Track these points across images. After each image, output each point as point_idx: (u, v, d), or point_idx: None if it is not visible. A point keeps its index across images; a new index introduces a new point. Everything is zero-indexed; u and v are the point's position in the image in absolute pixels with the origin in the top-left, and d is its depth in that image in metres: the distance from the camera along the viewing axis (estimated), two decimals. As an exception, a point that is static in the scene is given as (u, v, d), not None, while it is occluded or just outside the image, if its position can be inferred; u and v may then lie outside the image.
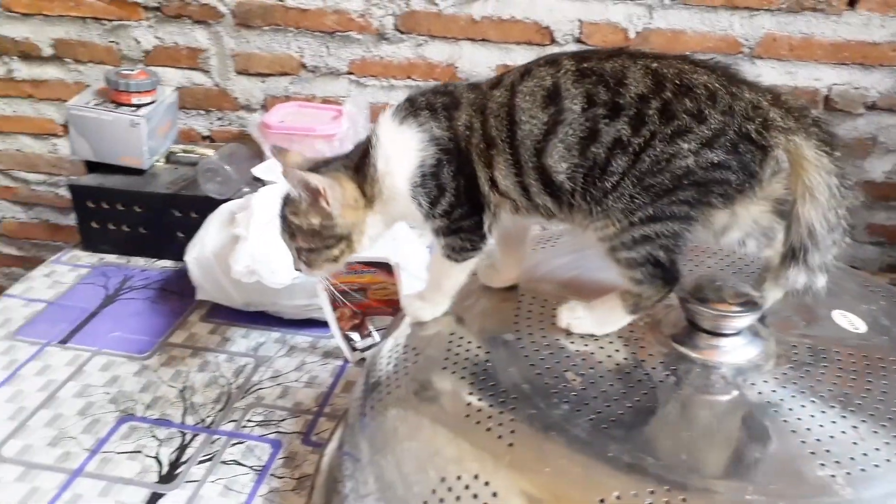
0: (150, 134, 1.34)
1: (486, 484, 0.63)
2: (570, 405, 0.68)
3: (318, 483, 0.89)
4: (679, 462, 0.63)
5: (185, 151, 1.45)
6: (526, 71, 0.71)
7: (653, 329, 0.77)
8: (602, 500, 0.59)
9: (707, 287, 0.74)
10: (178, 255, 1.36)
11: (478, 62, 1.46)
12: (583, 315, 0.76)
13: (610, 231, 0.70)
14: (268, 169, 1.16)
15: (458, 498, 0.64)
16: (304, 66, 1.51)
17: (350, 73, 1.50)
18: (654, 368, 0.73)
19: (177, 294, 1.28)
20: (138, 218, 1.36)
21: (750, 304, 0.72)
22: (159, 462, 0.93)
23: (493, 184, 0.72)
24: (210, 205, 1.28)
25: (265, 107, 1.56)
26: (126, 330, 1.19)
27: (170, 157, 1.44)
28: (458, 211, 0.73)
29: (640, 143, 0.66)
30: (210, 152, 1.44)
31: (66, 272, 1.34)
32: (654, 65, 0.68)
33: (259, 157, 1.36)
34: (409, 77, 1.49)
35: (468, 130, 0.72)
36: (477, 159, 0.72)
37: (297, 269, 0.79)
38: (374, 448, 0.78)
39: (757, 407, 0.69)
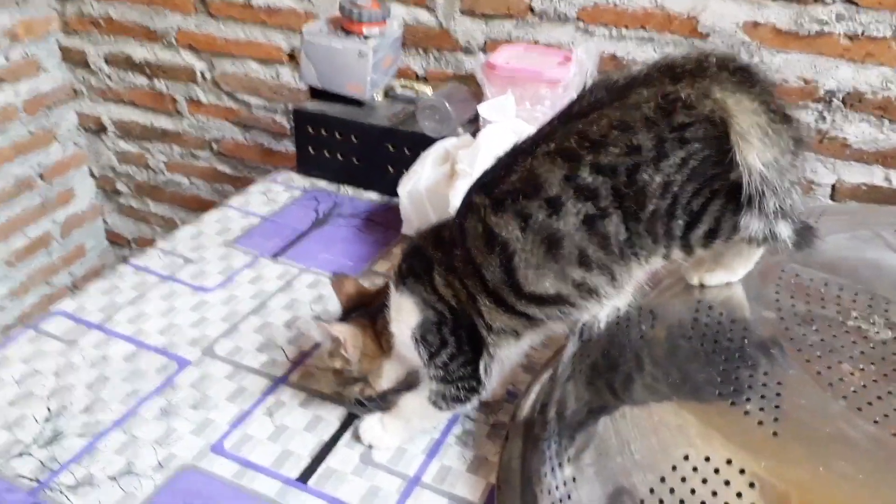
0: (375, 65, 1.34)
1: (742, 472, 0.55)
2: (848, 401, 0.58)
3: (513, 435, 0.85)
4: None
5: (403, 87, 1.44)
6: (459, 226, 0.74)
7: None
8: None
9: None
10: (386, 188, 1.37)
11: (723, 16, 1.32)
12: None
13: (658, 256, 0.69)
14: (493, 108, 1.11)
15: (704, 480, 0.56)
16: (531, 9, 1.44)
17: (579, 20, 1.42)
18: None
19: (382, 225, 1.28)
20: (353, 147, 1.37)
21: None
22: (358, 385, 0.92)
23: (489, 328, 0.76)
24: (424, 142, 1.26)
25: (484, 50, 1.52)
26: (333, 253, 1.20)
27: (388, 92, 1.44)
28: (458, 360, 0.78)
29: (610, 202, 0.65)
30: (428, 90, 1.42)
31: (280, 191, 1.39)
32: (552, 146, 0.68)
33: (477, 98, 1.31)
34: (642, 27, 1.38)
35: (449, 288, 0.76)
36: (470, 310, 0.75)
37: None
38: (587, 413, 0.72)
39: None
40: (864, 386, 0.59)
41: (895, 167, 1.34)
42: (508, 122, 1.11)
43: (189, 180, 2.01)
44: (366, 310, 0.85)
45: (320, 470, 0.81)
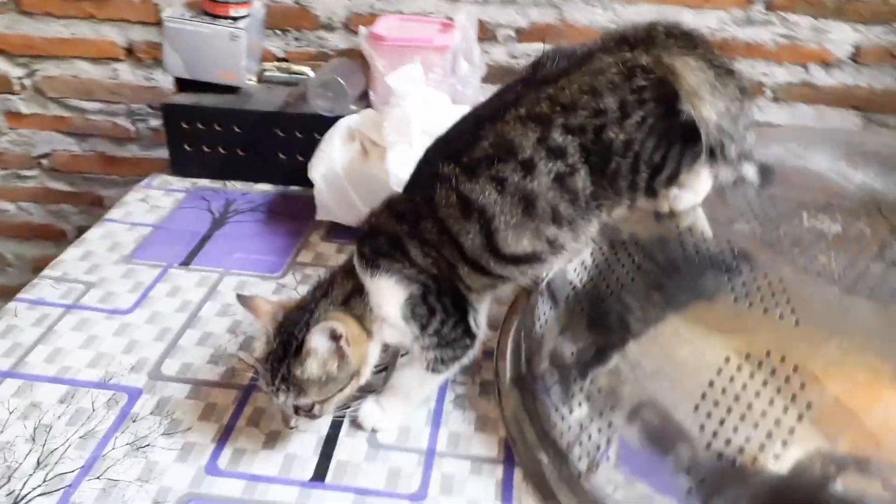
0: (248, 48, 1.26)
1: (783, 359, 0.61)
2: (839, 284, 0.66)
3: (506, 392, 0.87)
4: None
5: (280, 70, 1.37)
6: (426, 198, 0.74)
7: None
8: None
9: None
10: (279, 177, 1.31)
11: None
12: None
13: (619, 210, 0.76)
14: (402, 78, 1.09)
15: (751, 375, 0.62)
16: (392, -20, 1.44)
17: (441, -12, 1.43)
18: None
19: (286, 216, 1.22)
20: (236, 138, 1.28)
21: None
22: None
23: (469, 289, 0.77)
24: (316, 123, 1.22)
25: (347, 26, 1.49)
26: (247, 250, 1.13)
27: (261, 77, 1.36)
28: (449, 323, 0.77)
29: (578, 158, 0.70)
30: (307, 69, 1.36)
31: (160, 197, 1.27)
32: (523, 111, 0.71)
33: (363, 72, 1.29)
34: (503, -8, 1.43)
35: (427, 258, 0.75)
36: (449, 275, 0.76)
37: (292, 427, 0.80)
38: (594, 355, 0.76)
39: None
40: (844, 271, 0.68)
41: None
42: (420, 90, 1.10)
43: (16, 206, 1.77)
44: (323, 294, 0.78)
45: (332, 465, 0.77)
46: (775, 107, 1.51)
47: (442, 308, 0.77)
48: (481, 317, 0.81)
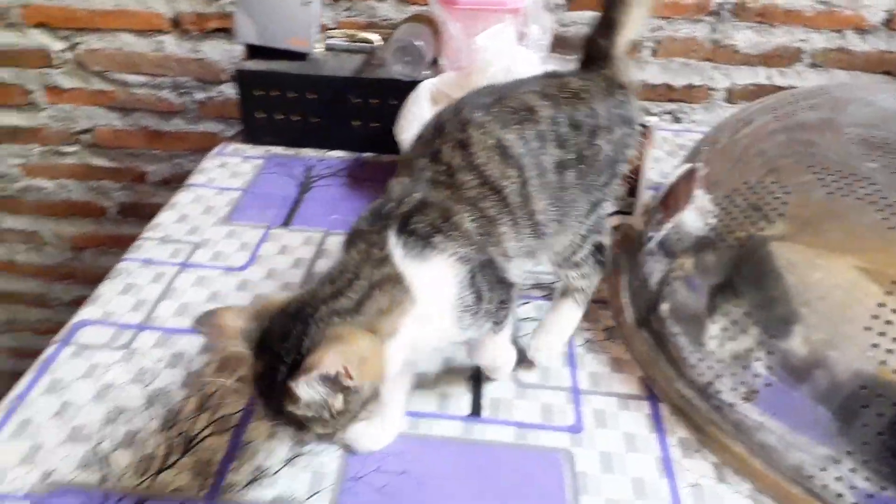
0: (317, 15, 1.27)
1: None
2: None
3: (630, 335, 0.90)
4: None
5: (347, 37, 1.38)
6: (460, 144, 0.70)
7: None
8: None
9: None
10: (353, 144, 1.32)
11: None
12: (548, 339, 0.85)
13: (567, 239, 0.79)
14: (492, 37, 1.11)
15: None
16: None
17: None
18: None
19: (369, 181, 1.24)
20: (311, 105, 1.29)
21: None
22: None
23: (504, 256, 0.71)
24: (392, 88, 1.23)
25: (401, -6, 1.50)
26: (342, 212, 1.14)
27: (327, 45, 1.37)
28: (495, 299, 0.70)
29: (574, 157, 0.74)
30: (372, 37, 1.38)
31: (239, 163, 1.27)
32: (537, 89, 0.75)
33: (434, 36, 1.31)
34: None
35: (475, 223, 0.68)
36: (489, 245, 0.70)
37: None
38: (723, 295, 0.79)
39: None
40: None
41: (774, 66, 1.57)
42: (512, 49, 1.12)
43: (56, 183, 1.75)
44: (327, 304, 0.60)
45: (486, 403, 0.80)
46: (813, 73, 1.57)
47: (487, 285, 0.69)
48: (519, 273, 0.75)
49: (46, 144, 1.69)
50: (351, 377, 0.56)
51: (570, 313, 0.86)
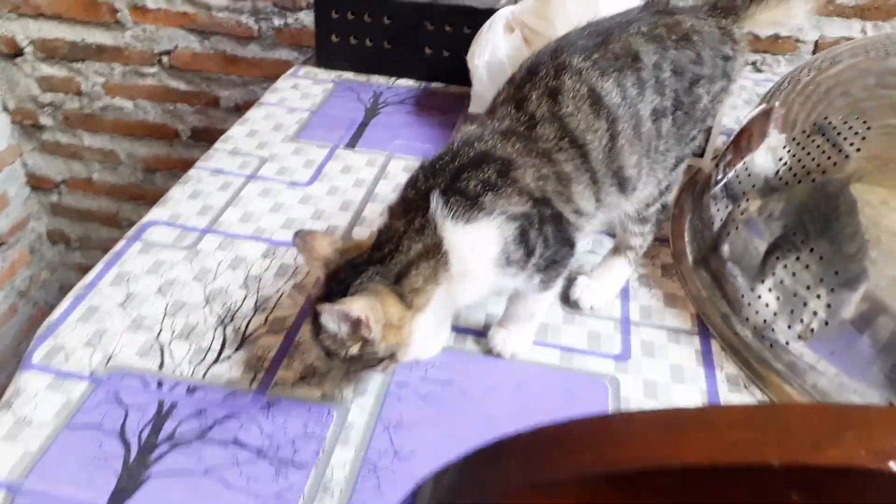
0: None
1: None
2: None
3: (688, 273, 0.89)
4: None
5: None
6: (550, 92, 0.67)
7: None
8: None
9: None
10: (422, 73, 1.31)
11: None
12: (597, 294, 0.82)
13: (645, 194, 0.76)
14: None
15: None
16: None
17: None
18: None
19: (436, 109, 1.23)
20: (385, 30, 1.29)
21: None
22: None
23: (578, 212, 0.69)
24: (467, 16, 1.22)
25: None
26: (406, 138, 1.15)
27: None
28: (549, 253, 0.67)
29: (671, 104, 0.71)
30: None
31: (310, 85, 1.29)
32: (645, 29, 0.71)
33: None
34: None
35: (541, 181, 0.65)
36: (557, 201, 0.66)
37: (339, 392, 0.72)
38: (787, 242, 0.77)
39: None
40: None
41: (871, 19, 1.48)
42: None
43: (134, 103, 1.81)
44: (378, 257, 0.63)
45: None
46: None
47: (543, 241, 0.66)
48: (583, 234, 0.73)
49: (128, 64, 1.75)
50: (370, 329, 0.60)
51: (621, 270, 0.84)
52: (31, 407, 0.68)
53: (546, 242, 0.67)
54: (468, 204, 0.62)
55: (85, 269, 0.80)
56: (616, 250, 0.85)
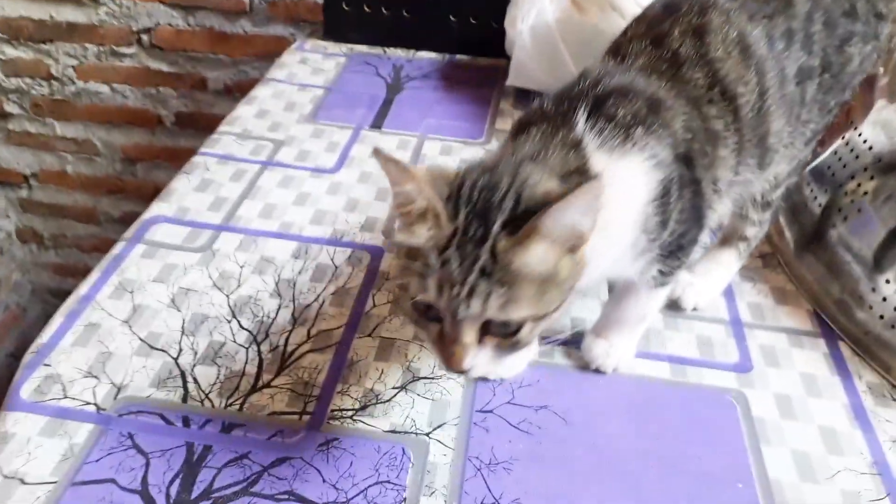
0: None
1: None
2: None
3: (791, 262, 0.76)
4: None
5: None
6: (696, 31, 0.54)
7: None
8: None
9: None
10: (446, 44, 1.17)
11: None
12: (702, 290, 0.70)
13: (781, 169, 0.64)
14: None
15: None
16: None
17: None
18: None
19: (466, 84, 1.09)
20: (402, -2, 1.14)
21: None
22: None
23: (714, 184, 0.56)
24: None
25: None
26: (437, 116, 1.00)
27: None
28: (681, 228, 0.54)
29: (818, 64, 0.59)
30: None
31: (320, 60, 1.14)
32: None
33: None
34: None
35: (689, 133, 0.52)
36: (700, 163, 0.54)
37: (465, 372, 0.47)
38: None
39: None
40: None
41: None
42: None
43: (110, 87, 1.63)
44: (529, 164, 0.48)
45: (636, 332, 0.67)
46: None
47: (679, 211, 0.53)
48: (717, 216, 0.61)
49: (103, 44, 1.57)
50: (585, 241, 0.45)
51: (730, 264, 0.72)
52: (23, 459, 0.53)
53: (682, 213, 0.53)
54: (621, 133, 0.49)
55: (60, 270, 0.64)
56: (725, 241, 0.72)
